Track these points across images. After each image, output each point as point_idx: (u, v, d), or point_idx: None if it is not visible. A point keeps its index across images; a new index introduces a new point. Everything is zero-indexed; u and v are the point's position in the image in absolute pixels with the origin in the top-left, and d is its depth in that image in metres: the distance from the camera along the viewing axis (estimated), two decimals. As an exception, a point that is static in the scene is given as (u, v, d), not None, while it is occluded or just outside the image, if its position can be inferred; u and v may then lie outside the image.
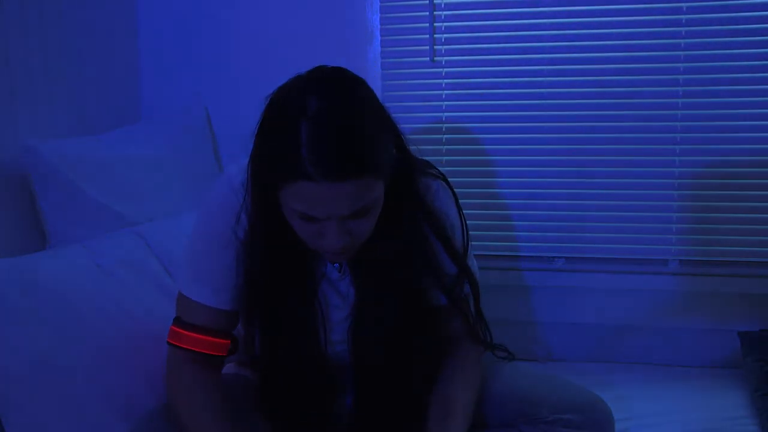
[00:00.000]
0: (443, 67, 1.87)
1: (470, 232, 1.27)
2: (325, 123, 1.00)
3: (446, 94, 1.88)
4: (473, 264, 1.31)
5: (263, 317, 1.22)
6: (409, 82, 1.89)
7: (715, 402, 1.63)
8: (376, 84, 1.86)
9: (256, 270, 1.18)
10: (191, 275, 1.23)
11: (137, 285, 1.48)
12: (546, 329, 1.94)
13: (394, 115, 1.15)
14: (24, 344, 1.29)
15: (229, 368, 1.40)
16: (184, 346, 1.22)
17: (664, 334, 1.89)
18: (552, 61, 1.81)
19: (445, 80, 1.87)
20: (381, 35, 1.89)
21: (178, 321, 1.24)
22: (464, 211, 1.31)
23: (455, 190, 1.30)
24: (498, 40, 1.84)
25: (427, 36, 1.85)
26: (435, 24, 1.85)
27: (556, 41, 1.81)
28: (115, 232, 1.58)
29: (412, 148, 1.20)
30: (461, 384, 1.24)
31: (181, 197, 1.79)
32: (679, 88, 1.76)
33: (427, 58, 1.86)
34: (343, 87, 1.05)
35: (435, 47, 1.86)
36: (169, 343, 1.24)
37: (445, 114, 1.88)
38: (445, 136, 1.88)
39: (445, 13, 1.85)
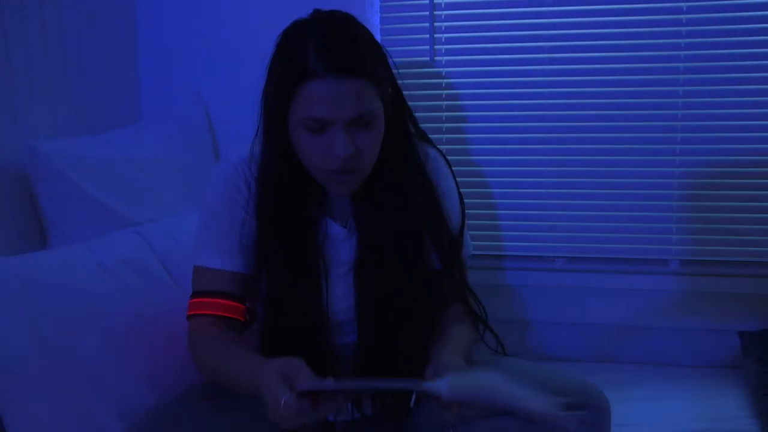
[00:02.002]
0: (443, 67, 1.87)
1: (472, 233, 1.29)
2: (329, 33, 1.15)
3: (446, 94, 1.88)
4: (467, 239, 1.37)
5: (269, 274, 1.25)
6: (409, 81, 1.88)
7: (715, 402, 1.63)
8: (376, 84, 1.86)
9: (262, 225, 1.24)
10: (203, 245, 1.29)
11: (137, 284, 1.48)
12: (546, 329, 1.94)
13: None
14: (24, 343, 1.29)
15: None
16: (203, 312, 1.26)
17: (664, 334, 1.89)
18: (552, 61, 1.81)
19: (445, 80, 1.87)
20: (381, 35, 1.88)
21: (194, 295, 1.28)
22: (464, 211, 1.34)
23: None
24: (498, 40, 1.83)
25: (427, 36, 1.85)
26: (435, 24, 1.85)
27: (555, 41, 1.81)
28: (116, 231, 1.59)
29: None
30: (457, 328, 1.29)
31: (181, 197, 1.79)
32: (680, 88, 1.76)
33: (427, 58, 1.86)
34: (344, 15, 1.20)
35: (435, 47, 1.86)
36: (188, 317, 1.27)
37: (445, 114, 1.88)
38: (445, 136, 1.88)
39: (445, 12, 1.85)
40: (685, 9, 1.74)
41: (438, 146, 1.39)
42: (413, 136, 1.32)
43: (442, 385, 1.00)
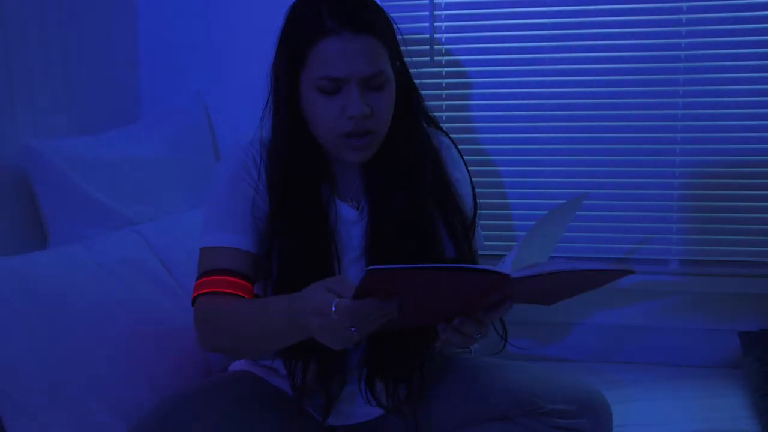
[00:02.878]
0: (443, 67, 1.87)
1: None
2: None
3: (446, 94, 1.88)
4: (479, 232, 1.40)
5: (280, 256, 1.24)
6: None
7: (715, 402, 1.63)
8: (376, 84, 1.86)
9: (273, 204, 1.24)
10: (209, 228, 1.27)
11: (137, 284, 1.48)
12: (546, 329, 1.94)
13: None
14: (24, 343, 1.29)
15: (236, 365, 1.40)
16: (207, 290, 1.22)
17: (664, 334, 1.89)
18: (552, 61, 1.81)
19: (445, 80, 1.87)
20: (381, 35, 1.88)
21: (198, 276, 1.25)
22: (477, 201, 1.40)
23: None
24: (498, 40, 1.83)
25: (427, 36, 1.85)
26: (435, 24, 1.85)
27: (556, 41, 1.81)
28: (116, 231, 1.59)
29: None
30: None
31: (181, 197, 1.79)
32: (680, 88, 1.76)
33: (427, 58, 1.86)
34: None
35: (435, 47, 1.86)
36: (192, 301, 1.24)
37: (445, 114, 1.88)
38: (445, 136, 1.88)
39: (445, 12, 1.85)
40: (685, 9, 1.74)
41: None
42: (421, 114, 1.34)
43: (506, 265, 0.99)
